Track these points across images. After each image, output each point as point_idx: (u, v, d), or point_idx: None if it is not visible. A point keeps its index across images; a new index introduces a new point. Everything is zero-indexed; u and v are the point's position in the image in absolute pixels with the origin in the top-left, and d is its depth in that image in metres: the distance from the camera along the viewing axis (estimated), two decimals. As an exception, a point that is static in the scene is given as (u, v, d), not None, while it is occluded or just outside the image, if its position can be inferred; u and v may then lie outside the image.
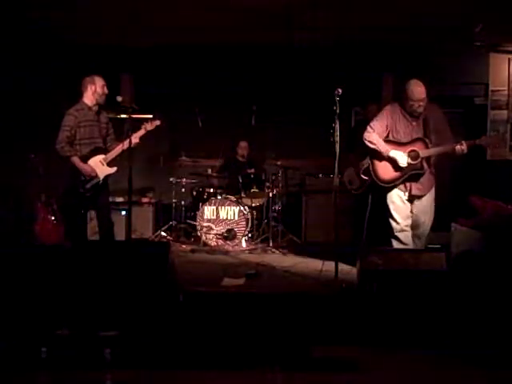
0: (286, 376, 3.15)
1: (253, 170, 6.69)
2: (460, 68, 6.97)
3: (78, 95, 4.89)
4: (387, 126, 4.63)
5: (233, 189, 6.64)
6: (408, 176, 4.56)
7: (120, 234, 6.33)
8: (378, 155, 4.63)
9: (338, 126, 4.45)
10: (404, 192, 4.63)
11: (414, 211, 4.67)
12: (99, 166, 4.80)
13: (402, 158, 4.52)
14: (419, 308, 3.64)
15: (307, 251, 6.00)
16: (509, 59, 6.85)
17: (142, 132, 4.85)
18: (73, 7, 5.49)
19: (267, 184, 6.49)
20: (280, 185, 6.64)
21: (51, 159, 5.24)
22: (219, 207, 6.31)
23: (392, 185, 4.62)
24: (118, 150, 4.84)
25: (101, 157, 4.83)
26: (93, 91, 4.80)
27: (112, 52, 6.76)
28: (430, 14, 5.60)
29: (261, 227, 6.57)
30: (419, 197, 4.65)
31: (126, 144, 4.73)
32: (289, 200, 7.20)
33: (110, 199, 6.50)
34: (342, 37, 6.39)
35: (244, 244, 6.26)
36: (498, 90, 6.93)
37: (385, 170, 4.63)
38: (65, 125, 4.71)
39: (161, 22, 5.93)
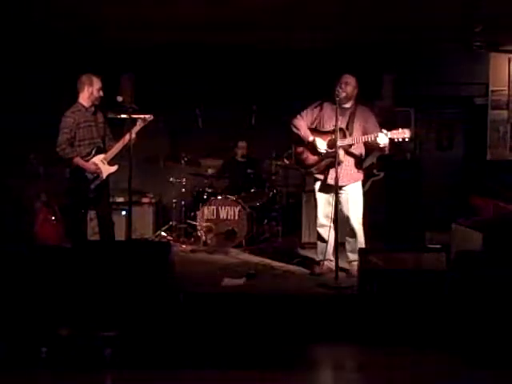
0: (286, 376, 3.15)
1: (253, 170, 6.69)
2: (460, 68, 6.98)
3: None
4: (316, 116, 4.82)
5: (233, 189, 6.64)
6: (325, 163, 4.70)
7: (120, 234, 6.34)
8: (301, 141, 4.82)
9: (338, 126, 4.46)
10: (322, 180, 4.78)
11: (338, 205, 4.66)
12: (101, 165, 4.82)
13: (321, 145, 4.69)
14: (419, 308, 3.64)
15: (307, 251, 6.00)
16: (509, 59, 6.85)
17: (137, 128, 4.86)
18: (73, 7, 5.49)
19: (267, 184, 6.48)
20: (280, 185, 6.64)
21: (51, 159, 5.25)
22: (219, 207, 6.31)
23: (311, 170, 4.81)
24: (117, 148, 4.86)
25: (101, 156, 4.84)
26: (89, 93, 4.81)
27: (112, 52, 6.76)
28: (430, 14, 5.59)
29: (261, 227, 6.56)
30: (339, 188, 4.62)
31: (124, 141, 4.79)
32: (289, 200, 7.20)
33: (110, 199, 6.54)
34: (342, 37, 6.39)
35: (244, 244, 6.26)
36: (498, 90, 6.93)
37: (306, 156, 4.82)
38: (64, 127, 4.71)
39: (161, 21, 5.93)
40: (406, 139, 4.39)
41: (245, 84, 7.06)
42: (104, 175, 4.82)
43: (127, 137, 4.74)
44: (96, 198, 4.85)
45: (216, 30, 6.15)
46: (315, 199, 4.90)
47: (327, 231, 4.71)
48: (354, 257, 4.66)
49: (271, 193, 6.46)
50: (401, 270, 3.82)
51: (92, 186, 4.80)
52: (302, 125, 4.81)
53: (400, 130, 4.37)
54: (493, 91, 6.94)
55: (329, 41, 6.52)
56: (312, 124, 4.82)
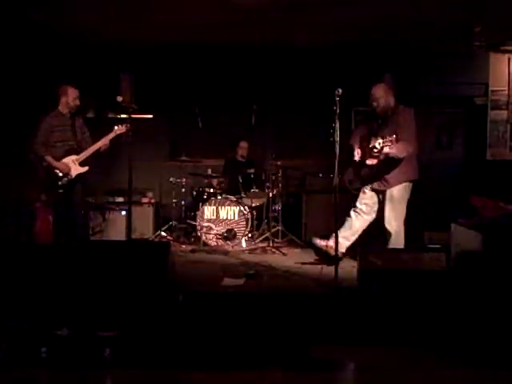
0: (286, 376, 3.14)
1: (253, 170, 6.69)
2: (460, 68, 6.98)
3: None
4: (365, 128, 4.94)
5: (233, 189, 6.64)
6: (363, 171, 4.86)
7: (120, 234, 6.35)
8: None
9: (338, 125, 4.46)
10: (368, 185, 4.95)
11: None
12: (71, 165, 5.20)
13: (356, 156, 4.82)
14: (419, 308, 3.64)
15: (307, 251, 6.00)
16: (509, 59, 6.85)
17: (112, 135, 5.23)
18: (73, 7, 5.49)
19: (267, 184, 6.49)
20: (280, 185, 6.64)
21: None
22: (219, 207, 6.31)
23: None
24: (89, 151, 5.26)
25: (73, 157, 5.21)
26: (65, 102, 5.26)
27: (112, 52, 6.76)
28: (430, 14, 5.60)
29: (261, 227, 6.57)
30: (381, 191, 4.88)
31: (96, 146, 5.23)
32: (289, 200, 7.20)
33: (111, 199, 6.58)
34: (342, 37, 6.39)
35: (244, 244, 6.26)
36: (498, 90, 6.94)
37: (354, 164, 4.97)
38: (39, 129, 5.18)
39: (161, 21, 5.93)
40: (389, 146, 4.43)
41: (245, 84, 7.06)
42: (73, 174, 5.19)
43: (100, 142, 5.22)
44: (66, 195, 5.20)
45: (216, 30, 6.15)
46: None
47: (359, 218, 4.96)
48: None
49: (271, 193, 6.46)
50: (401, 269, 3.82)
51: (59, 183, 5.17)
52: (352, 140, 4.97)
53: (387, 137, 4.43)
54: (493, 91, 6.95)
55: (329, 41, 6.52)
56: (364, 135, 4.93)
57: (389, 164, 4.72)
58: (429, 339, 3.49)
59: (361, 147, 4.82)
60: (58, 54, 6.69)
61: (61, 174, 5.15)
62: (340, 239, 4.65)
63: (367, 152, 4.74)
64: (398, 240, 4.82)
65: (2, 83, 6.54)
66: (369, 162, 4.75)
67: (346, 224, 4.99)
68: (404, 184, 4.82)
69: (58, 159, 5.16)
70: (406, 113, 4.82)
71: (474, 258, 4.03)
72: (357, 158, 4.80)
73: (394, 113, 4.80)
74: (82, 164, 5.23)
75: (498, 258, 3.83)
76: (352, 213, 5.02)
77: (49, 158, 5.14)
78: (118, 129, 5.23)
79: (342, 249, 4.88)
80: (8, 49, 6.47)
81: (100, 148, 5.25)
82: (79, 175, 5.22)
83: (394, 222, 4.83)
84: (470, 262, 4.04)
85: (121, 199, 6.60)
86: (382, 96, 4.79)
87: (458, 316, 3.59)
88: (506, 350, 3.31)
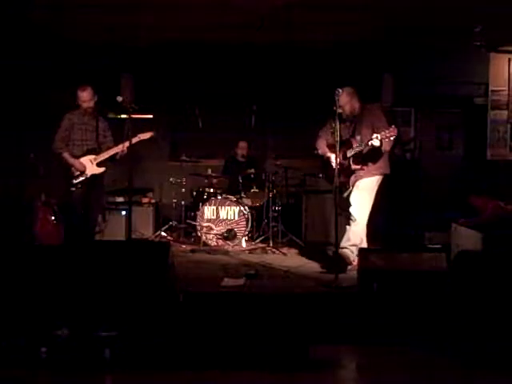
0: (286, 376, 3.14)
1: (253, 170, 6.69)
2: (460, 68, 6.98)
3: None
4: (331, 130, 4.88)
5: (233, 189, 6.64)
6: (343, 175, 4.82)
7: (120, 234, 6.35)
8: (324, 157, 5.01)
9: (338, 125, 4.46)
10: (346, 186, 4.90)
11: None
12: (88, 164, 5.14)
13: (333, 163, 4.73)
14: (419, 308, 3.64)
15: (307, 251, 6.00)
16: (509, 59, 6.85)
17: (135, 140, 5.07)
18: (73, 7, 5.49)
19: (267, 184, 6.49)
20: (280, 185, 6.64)
21: (51, 159, 5.29)
22: (219, 207, 6.31)
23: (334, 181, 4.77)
24: (108, 152, 5.18)
25: (91, 157, 5.16)
26: (79, 104, 5.15)
27: (112, 52, 6.76)
28: (430, 14, 5.60)
29: (261, 227, 6.56)
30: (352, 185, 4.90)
31: (116, 150, 5.13)
32: (289, 200, 7.20)
33: (111, 199, 6.57)
34: (342, 37, 6.39)
35: (244, 244, 6.26)
36: (498, 90, 6.93)
37: (330, 169, 4.88)
38: (60, 125, 5.17)
39: (161, 21, 5.93)
40: (393, 137, 4.41)
41: (245, 84, 7.06)
42: (88, 174, 5.13)
43: (121, 145, 5.10)
44: (82, 194, 5.14)
45: (216, 30, 6.16)
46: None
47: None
48: (345, 244, 4.79)
49: (271, 193, 6.46)
50: (401, 270, 3.82)
51: (74, 181, 5.12)
52: (320, 143, 5.02)
53: (388, 129, 4.41)
54: (493, 91, 6.94)
55: (329, 41, 6.53)
56: (330, 138, 4.91)
57: (371, 159, 4.74)
58: (429, 339, 3.49)
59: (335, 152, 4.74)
60: (58, 54, 6.70)
61: (77, 173, 5.11)
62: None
63: (344, 155, 4.76)
64: (357, 228, 4.80)
65: (2, 83, 6.54)
66: (354, 167, 4.76)
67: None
68: (377, 177, 4.83)
69: (76, 157, 5.11)
70: (375, 109, 4.87)
71: (474, 258, 4.02)
72: (334, 164, 4.68)
73: (362, 112, 4.81)
74: (99, 165, 5.16)
75: (498, 257, 3.83)
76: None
77: (66, 155, 5.11)
78: (142, 135, 5.13)
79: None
80: (7, 49, 6.47)
81: (118, 153, 5.12)
82: (95, 175, 5.15)
83: (358, 209, 4.80)
84: (470, 262, 4.04)
85: (121, 199, 6.60)
86: (347, 102, 4.79)
87: (458, 316, 3.59)
88: (506, 350, 3.31)
